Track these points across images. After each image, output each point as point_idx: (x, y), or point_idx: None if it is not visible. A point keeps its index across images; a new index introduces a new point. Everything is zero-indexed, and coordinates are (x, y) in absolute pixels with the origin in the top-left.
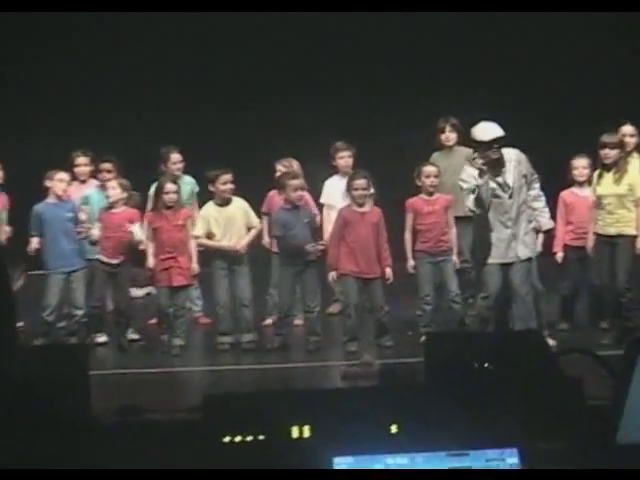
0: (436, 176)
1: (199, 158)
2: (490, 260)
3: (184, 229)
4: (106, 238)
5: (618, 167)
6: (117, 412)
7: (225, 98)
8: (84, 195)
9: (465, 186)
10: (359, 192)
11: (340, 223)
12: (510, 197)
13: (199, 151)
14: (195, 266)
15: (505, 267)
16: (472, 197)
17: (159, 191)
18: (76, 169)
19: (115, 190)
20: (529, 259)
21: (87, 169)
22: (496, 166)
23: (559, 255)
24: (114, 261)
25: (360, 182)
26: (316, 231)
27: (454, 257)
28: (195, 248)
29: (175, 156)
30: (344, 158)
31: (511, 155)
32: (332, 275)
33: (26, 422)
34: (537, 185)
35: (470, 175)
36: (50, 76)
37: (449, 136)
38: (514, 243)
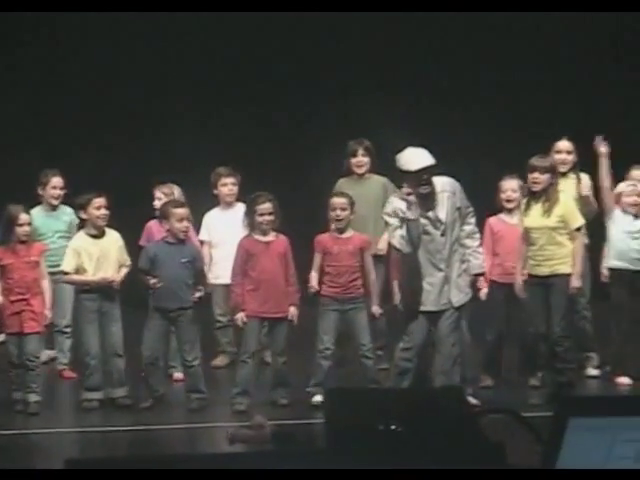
0: (344, 209)
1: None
2: (422, 308)
3: (38, 266)
4: None
5: (548, 195)
6: None
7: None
8: None
9: (391, 221)
10: (265, 217)
11: (242, 256)
12: (442, 234)
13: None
14: (48, 312)
15: (433, 314)
16: (399, 234)
17: (11, 222)
18: None
19: None
20: (463, 305)
21: None
22: (427, 199)
23: (483, 292)
24: None
25: (265, 206)
26: (199, 274)
27: (375, 307)
28: (49, 288)
29: (56, 180)
30: (227, 186)
31: (444, 185)
32: (241, 317)
33: None
34: (472, 220)
35: (397, 208)
36: None
37: (362, 161)
38: (447, 287)
